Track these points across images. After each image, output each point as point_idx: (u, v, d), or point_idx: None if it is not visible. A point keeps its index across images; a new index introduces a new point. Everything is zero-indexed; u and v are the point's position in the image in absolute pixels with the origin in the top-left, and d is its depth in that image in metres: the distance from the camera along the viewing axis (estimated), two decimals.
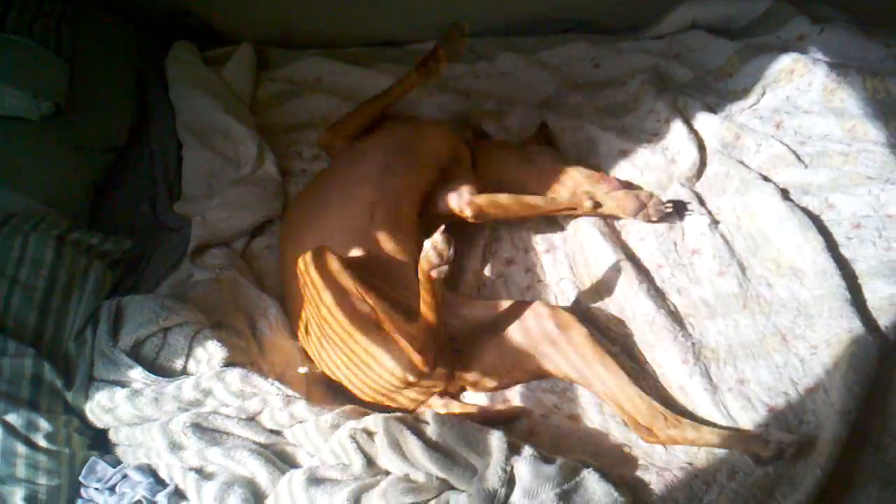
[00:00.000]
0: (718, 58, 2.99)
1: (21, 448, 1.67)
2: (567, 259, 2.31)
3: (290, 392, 1.76)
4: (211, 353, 1.82)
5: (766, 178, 2.39)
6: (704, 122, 2.65)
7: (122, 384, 1.80)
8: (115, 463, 1.75)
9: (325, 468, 1.66)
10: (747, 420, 1.78)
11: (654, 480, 1.70)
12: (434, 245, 1.67)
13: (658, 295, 2.13)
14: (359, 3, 3.16)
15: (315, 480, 1.61)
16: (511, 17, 3.22)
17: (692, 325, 2.04)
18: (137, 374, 1.79)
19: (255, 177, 2.44)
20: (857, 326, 1.86)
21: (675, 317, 2.07)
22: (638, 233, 2.34)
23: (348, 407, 1.76)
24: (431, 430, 1.64)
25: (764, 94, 2.79)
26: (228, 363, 1.82)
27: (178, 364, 1.84)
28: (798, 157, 2.48)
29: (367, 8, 3.16)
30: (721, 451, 1.74)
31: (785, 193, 2.33)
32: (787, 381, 1.85)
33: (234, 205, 2.32)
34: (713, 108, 2.75)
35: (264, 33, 3.11)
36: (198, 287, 2.08)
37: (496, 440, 1.63)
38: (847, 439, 1.67)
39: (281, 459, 1.72)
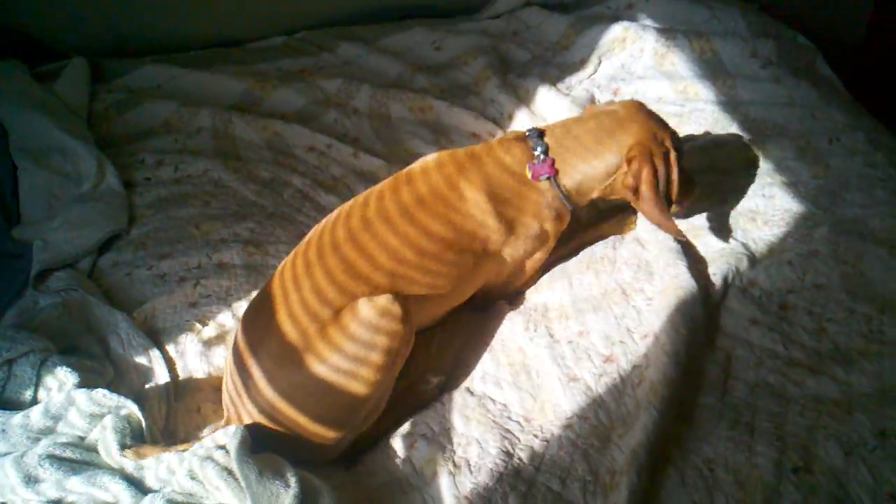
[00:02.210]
0: (555, 32, 3.08)
1: None
2: None
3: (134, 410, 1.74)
4: (61, 379, 1.77)
5: None
6: (550, 105, 2.72)
7: None
8: None
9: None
10: (584, 371, 1.85)
11: (495, 443, 1.75)
12: None
13: None
14: (194, 5, 3.10)
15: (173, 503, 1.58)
16: (349, 8, 3.23)
17: (538, 291, 2.10)
18: None
19: (97, 192, 2.37)
20: (682, 272, 1.96)
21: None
22: None
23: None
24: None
25: (600, 63, 2.88)
26: (81, 388, 1.76)
27: (27, 395, 1.77)
28: None
29: (203, 9, 3.11)
30: (555, 404, 1.80)
31: None
32: (624, 330, 1.92)
33: (78, 223, 2.24)
34: (554, 82, 2.83)
35: (97, 44, 3.02)
36: (44, 313, 2.01)
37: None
38: (679, 380, 1.75)
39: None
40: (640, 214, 2.17)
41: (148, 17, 3.08)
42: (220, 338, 2.03)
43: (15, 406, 1.77)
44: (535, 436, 1.75)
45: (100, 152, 2.49)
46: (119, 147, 2.61)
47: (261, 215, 2.38)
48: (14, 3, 2.95)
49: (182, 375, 1.95)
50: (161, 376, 1.93)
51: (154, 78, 2.90)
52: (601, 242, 2.18)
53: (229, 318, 2.07)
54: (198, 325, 2.04)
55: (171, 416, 1.87)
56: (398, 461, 1.76)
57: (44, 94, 2.72)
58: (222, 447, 1.63)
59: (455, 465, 1.72)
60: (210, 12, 3.11)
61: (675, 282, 1.94)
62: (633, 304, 1.97)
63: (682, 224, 2.19)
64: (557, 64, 2.96)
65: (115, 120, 2.73)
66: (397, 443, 1.80)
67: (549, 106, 2.71)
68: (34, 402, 1.78)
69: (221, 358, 1.98)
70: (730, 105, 2.61)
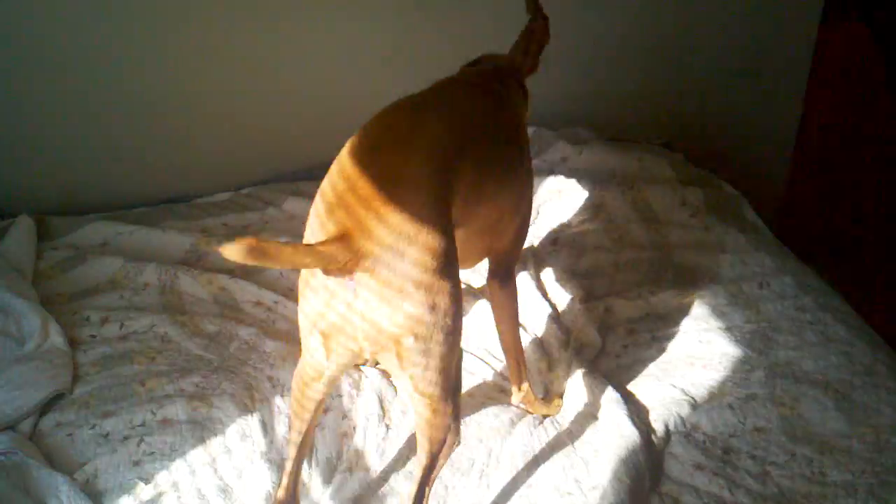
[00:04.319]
0: None
1: None
2: (376, 395, 2.32)
3: None
4: None
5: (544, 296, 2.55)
6: None
7: None
8: None
9: None
10: None
11: None
12: None
13: None
14: (140, 162, 3.16)
15: None
16: (294, 164, 3.30)
17: (489, 448, 2.10)
18: None
19: (40, 351, 2.34)
20: (623, 421, 2.00)
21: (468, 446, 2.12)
22: None
23: None
24: None
25: (539, 214, 2.98)
26: None
27: None
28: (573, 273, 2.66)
29: (150, 166, 3.17)
30: None
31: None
32: (572, 481, 1.94)
33: (19, 384, 2.20)
34: None
35: (44, 203, 3.03)
36: None
37: None
38: None
39: None
40: (565, 396, 2.24)
41: (94, 175, 3.12)
42: (159, 495, 1.98)
43: None
44: None
45: (44, 311, 2.47)
46: (64, 305, 2.60)
47: (206, 369, 2.37)
48: None
49: None
50: None
51: (100, 235, 2.92)
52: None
53: (173, 476, 2.03)
54: (140, 484, 2.00)
55: None
56: None
57: None
58: None
59: None
60: (156, 169, 3.17)
61: (618, 430, 1.98)
62: (581, 455, 2.00)
63: (621, 372, 2.25)
64: None
65: (61, 278, 2.73)
66: None
67: None
68: None
69: None
70: (663, 252, 2.72)
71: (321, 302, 1.51)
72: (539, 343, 2.40)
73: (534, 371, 2.33)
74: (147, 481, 2.01)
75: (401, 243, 1.41)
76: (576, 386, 2.22)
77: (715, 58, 3.54)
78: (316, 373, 1.66)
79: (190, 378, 2.31)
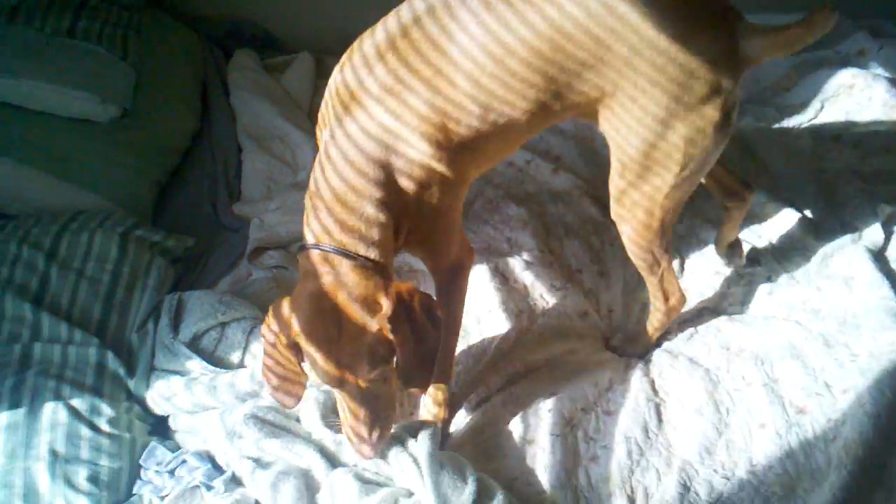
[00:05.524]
0: (776, 72, 2.96)
1: (85, 431, 1.73)
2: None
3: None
4: None
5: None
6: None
7: (182, 374, 1.86)
8: (175, 448, 1.80)
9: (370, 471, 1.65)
10: (777, 418, 1.77)
11: (673, 474, 1.71)
12: None
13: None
14: None
15: (363, 479, 1.61)
16: None
17: (724, 334, 2.04)
18: (196, 365, 1.85)
19: None
20: None
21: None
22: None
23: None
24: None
25: (822, 108, 2.75)
26: None
27: (236, 357, 1.89)
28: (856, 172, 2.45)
29: None
30: (741, 447, 1.73)
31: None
32: (822, 383, 1.82)
33: (292, 210, 2.35)
34: (771, 123, 2.74)
35: (324, 43, 3.17)
36: (255, 285, 2.13)
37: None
38: (879, 444, 1.64)
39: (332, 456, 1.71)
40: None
41: (374, 19, 3.19)
42: None
43: (224, 365, 1.88)
44: (716, 471, 1.69)
45: (317, 145, 2.61)
46: None
47: None
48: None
49: None
50: None
51: None
52: (804, 286, 2.11)
53: None
54: None
55: None
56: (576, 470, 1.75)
57: (272, 84, 2.89)
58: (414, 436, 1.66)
59: (632, 488, 1.69)
60: None
61: (892, 346, 1.82)
62: (836, 356, 1.87)
63: None
64: (776, 104, 2.84)
65: None
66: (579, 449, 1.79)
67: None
68: (241, 364, 1.89)
69: None
70: None
71: None
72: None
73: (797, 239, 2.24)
74: None
75: None
76: (848, 279, 2.07)
77: None
78: None
79: None
